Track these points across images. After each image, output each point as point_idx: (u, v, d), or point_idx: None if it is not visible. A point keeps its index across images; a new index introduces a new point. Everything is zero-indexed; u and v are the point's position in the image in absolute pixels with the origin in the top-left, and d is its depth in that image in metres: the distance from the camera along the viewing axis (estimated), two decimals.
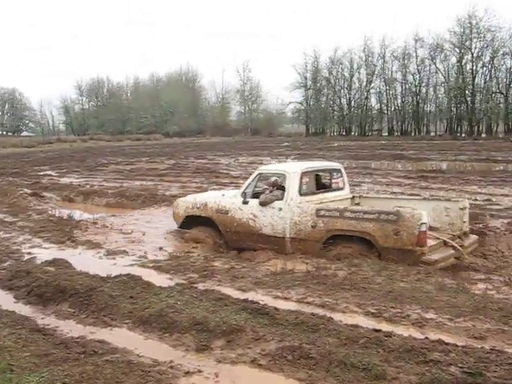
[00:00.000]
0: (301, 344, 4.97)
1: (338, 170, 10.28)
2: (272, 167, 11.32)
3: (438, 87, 78.75)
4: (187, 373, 4.67)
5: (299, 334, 5.26)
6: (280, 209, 9.13)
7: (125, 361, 4.78)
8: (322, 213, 8.64)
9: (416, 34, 76.18)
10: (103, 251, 9.45)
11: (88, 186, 20.24)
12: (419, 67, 77.85)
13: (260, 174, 9.88)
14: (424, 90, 79.13)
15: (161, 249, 9.64)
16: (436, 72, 77.33)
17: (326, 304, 6.31)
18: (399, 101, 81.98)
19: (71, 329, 5.84)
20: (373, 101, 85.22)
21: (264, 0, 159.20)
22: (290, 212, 9.01)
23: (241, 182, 19.09)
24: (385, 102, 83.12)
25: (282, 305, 6.27)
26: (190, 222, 10.54)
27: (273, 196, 9.34)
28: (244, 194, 9.70)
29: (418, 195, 14.08)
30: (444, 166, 26.57)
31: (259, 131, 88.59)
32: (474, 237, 9.16)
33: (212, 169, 25.41)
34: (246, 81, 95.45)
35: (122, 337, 5.56)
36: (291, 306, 6.26)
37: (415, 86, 78.72)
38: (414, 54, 77.92)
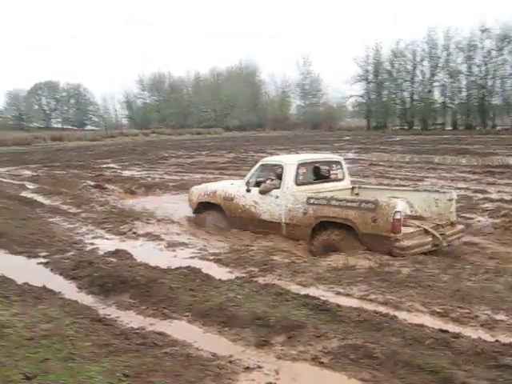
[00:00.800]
0: (364, 343, 4.81)
1: (338, 162, 10.89)
2: (273, 158, 11.96)
3: (505, 79, 76.00)
4: (247, 368, 4.59)
5: (362, 333, 5.10)
6: (277, 197, 9.83)
7: (184, 354, 4.73)
8: (312, 201, 9.25)
9: (482, 25, 73.77)
10: (164, 243, 9.52)
11: (149, 179, 20.52)
12: (485, 59, 75.35)
13: (262, 164, 10.72)
14: (490, 82, 76.48)
15: (221, 241, 9.64)
16: (503, 63, 74.64)
17: (389, 302, 6.11)
18: (464, 94, 79.58)
19: (131, 320, 5.86)
20: (436, 94, 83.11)
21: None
22: (285, 200, 9.68)
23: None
24: (449, 95, 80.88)
25: (344, 301, 6.11)
26: (203, 208, 11.44)
27: (271, 185, 10.04)
28: (247, 183, 10.53)
29: (418, 186, 14.28)
30: (511, 161, 25.61)
31: (319, 125, 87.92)
32: (460, 226, 9.57)
33: None
34: (307, 74, 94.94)
35: (181, 329, 5.53)
36: (353, 302, 6.10)
37: (481, 79, 76.26)
38: (480, 45, 75.48)
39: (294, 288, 6.62)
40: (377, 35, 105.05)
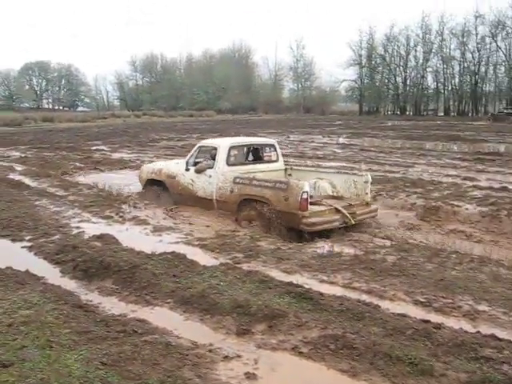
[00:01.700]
0: (344, 333, 4.80)
1: (272, 145, 11.92)
2: (209, 141, 12.79)
3: (498, 66, 76.13)
4: (226, 357, 4.56)
5: (343, 322, 5.08)
6: (210, 176, 10.77)
7: (163, 342, 4.70)
8: (238, 180, 10.16)
9: (476, 11, 73.87)
10: (150, 227, 9.45)
11: (138, 162, 20.39)
12: (479, 45, 75.49)
13: (200, 146, 11.66)
14: (483, 68, 76.77)
15: (208, 226, 9.60)
16: (497, 50, 74.88)
17: (373, 290, 6.11)
18: (457, 80, 79.86)
19: (113, 306, 5.82)
20: (429, 79, 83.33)
21: None
22: (217, 179, 10.60)
23: (291, 160, 18.93)
24: (442, 80, 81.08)
25: (328, 289, 6.09)
26: (149, 184, 12.41)
27: (206, 165, 11.00)
28: (187, 163, 11.40)
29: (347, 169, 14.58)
30: (502, 148, 25.65)
31: (312, 109, 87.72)
32: (373, 207, 10.41)
33: None
34: (300, 58, 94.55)
35: (162, 316, 5.50)
36: (337, 290, 6.08)
37: (474, 65, 76.38)
38: (474, 32, 75.66)
39: (278, 275, 6.59)
40: (371, 19, 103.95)
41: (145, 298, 6.00)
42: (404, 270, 6.71)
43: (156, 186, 12.12)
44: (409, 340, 4.68)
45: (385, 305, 5.64)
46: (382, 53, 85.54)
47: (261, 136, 32.01)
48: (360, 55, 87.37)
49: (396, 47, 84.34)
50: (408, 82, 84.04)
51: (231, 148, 11.00)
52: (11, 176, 16.12)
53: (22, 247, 8.28)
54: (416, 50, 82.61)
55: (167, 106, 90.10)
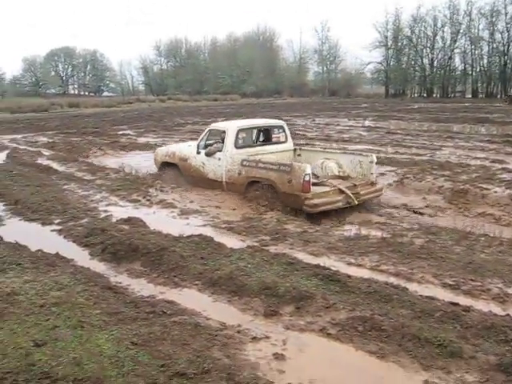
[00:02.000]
0: (373, 315, 4.79)
1: (280, 127, 12.05)
2: (218, 124, 12.81)
3: None
4: (254, 338, 4.60)
5: (371, 304, 5.08)
6: (219, 159, 11.04)
7: (192, 323, 4.75)
8: (245, 163, 10.43)
9: None
10: (177, 210, 9.50)
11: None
12: (508, 25, 73.60)
13: (210, 130, 11.84)
14: None
15: (234, 209, 9.63)
16: None
17: (400, 273, 6.09)
18: (485, 61, 78.08)
19: (142, 288, 5.89)
20: (457, 61, 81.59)
21: None
22: (226, 161, 10.87)
23: (317, 143, 18.86)
24: (470, 62, 79.39)
25: (355, 272, 6.09)
26: (164, 166, 12.73)
27: (215, 148, 11.26)
28: (198, 146, 11.63)
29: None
30: None
31: (337, 92, 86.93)
32: (378, 186, 10.49)
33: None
34: (325, 40, 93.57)
35: (191, 298, 5.55)
36: (364, 273, 6.08)
37: (503, 45, 74.64)
38: (504, 11, 73.61)
39: (305, 257, 6.61)
40: (397, 0, 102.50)
41: (173, 279, 6.06)
42: (432, 253, 6.67)
43: (170, 168, 12.45)
44: (437, 322, 4.66)
45: (413, 287, 5.62)
46: (409, 34, 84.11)
47: (286, 119, 32.00)
48: (386, 37, 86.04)
49: (423, 28, 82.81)
50: (435, 63, 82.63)
51: (239, 131, 11.25)
52: (39, 161, 16.33)
53: (52, 230, 8.41)
54: (443, 31, 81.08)
55: (192, 90, 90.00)
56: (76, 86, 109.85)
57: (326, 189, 9.64)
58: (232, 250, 6.86)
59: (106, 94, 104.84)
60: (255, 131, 11.93)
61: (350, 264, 6.46)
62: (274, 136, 11.87)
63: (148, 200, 10.36)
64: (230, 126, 11.44)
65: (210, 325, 4.80)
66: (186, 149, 12.37)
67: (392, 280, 5.84)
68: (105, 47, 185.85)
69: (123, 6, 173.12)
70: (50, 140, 22.98)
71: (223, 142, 11.09)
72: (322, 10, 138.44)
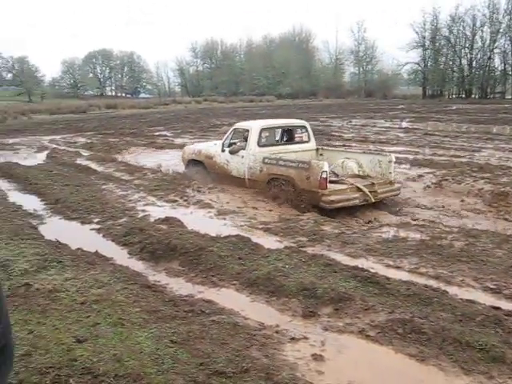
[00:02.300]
0: (412, 317, 4.74)
1: (303, 127, 12.40)
2: (243, 124, 13.06)
3: None
4: (292, 339, 4.59)
5: (411, 307, 5.02)
6: (242, 156, 11.47)
7: (231, 322, 4.77)
8: (266, 161, 10.79)
9: None
10: (214, 211, 9.55)
11: None
12: None
13: (235, 129, 12.32)
14: None
15: (271, 210, 9.63)
16: None
17: (440, 276, 5.99)
18: None
19: (180, 287, 5.93)
20: (496, 61, 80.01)
21: None
22: (248, 159, 11.28)
23: (353, 144, 18.74)
24: (510, 62, 77.84)
25: (394, 274, 6.02)
26: (191, 164, 13.37)
27: (239, 146, 11.70)
28: (223, 145, 12.13)
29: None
30: None
31: (373, 93, 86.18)
32: (397, 185, 10.71)
33: (324, 131, 24.92)
34: (361, 41, 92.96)
35: (229, 298, 5.57)
36: (403, 275, 6.00)
37: None
38: None
39: (343, 259, 6.57)
40: (435, 0, 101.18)
41: (211, 279, 6.08)
42: (472, 256, 6.55)
43: (197, 166, 13.02)
44: (479, 326, 4.58)
45: (453, 290, 5.53)
46: (447, 34, 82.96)
47: (321, 120, 31.90)
48: (423, 37, 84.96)
49: (461, 28, 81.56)
50: (474, 63, 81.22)
51: (262, 130, 11.64)
52: (78, 161, 16.61)
53: (91, 229, 8.54)
54: (482, 31, 79.59)
55: (227, 91, 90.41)
56: (113, 87, 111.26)
57: (344, 186, 9.93)
58: (269, 250, 6.86)
59: (142, 95, 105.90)
60: (278, 131, 12.32)
61: (388, 266, 6.39)
62: (296, 136, 12.23)
63: (185, 200, 10.43)
64: (254, 126, 11.84)
65: (248, 324, 4.81)
66: (211, 147, 12.95)
67: (431, 283, 5.76)
68: (141, 49, 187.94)
69: (158, 7, 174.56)
70: (89, 141, 23.35)
71: (247, 141, 11.53)
72: (358, 10, 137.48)
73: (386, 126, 28.17)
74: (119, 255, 7.12)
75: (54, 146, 21.87)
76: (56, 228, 8.60)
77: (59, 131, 29.27)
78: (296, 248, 7.01)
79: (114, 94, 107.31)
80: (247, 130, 11.71)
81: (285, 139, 12.25)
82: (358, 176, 10.62)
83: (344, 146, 18.25)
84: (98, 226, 8.60)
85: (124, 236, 7.86)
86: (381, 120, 32.23)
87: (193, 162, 13.28)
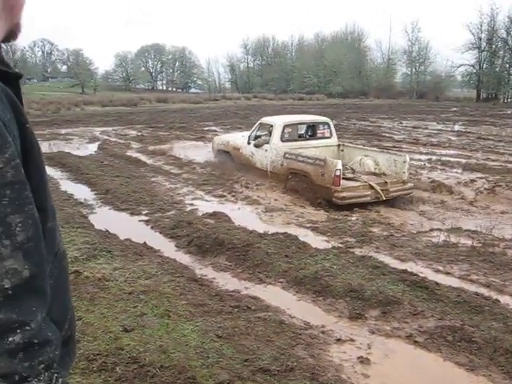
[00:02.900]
0: (463, 325, 4.62)
1: (326, 123, 12.87)
2: (268, 119, 13.38)
3: None
4: (338, 340, 4.54)
5: (461, 314, 4.90)
6: (266, 150, 12.02)
7: (277, 320, 4.75)
8: (287, 156, 11.28)
9: None
10: (261, 207, 9.55)
11: None
12: None
13: (260, 123, 12.85)
14: None
15: (319, 210, 9.57)
16: None
17: (491, 284, 5.84)
18: None
19: (227, 282, 5.94)
20: None
21: None
22: (271, 153, 11.82)
23: (404, 146, 18.45)
24: None
25: (443, 280, 5.89)
26: (220, 154, 14.12)
27: (263, 140, 12.22)
28: (249, 137, 12.73)
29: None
30: None
31: (425, 94, 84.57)
32: (409, 185, 10.81)
33: (374, 131, 24.66)
34: (415, 41, 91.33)
35: (275, 295, 5.55)
36: (453, 282, 5.87)
37: None
38: None
39: (392, 262, 6.47)
40: (493, 0, 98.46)
41: (258, 275, 6.08)
42: None
43: (225, 156, 13.80)
44: None
45: (505, 300, 5.38)
46: (504, 36, 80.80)
47: (372, 121, 31.54)
48: (479, 38, 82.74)
49: None
50: None
51: (285, 126, 12.16)
52: (129, 153, 16.82)
53: (140, 221, 8.64)
54: None
55: (277, 88, 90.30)
56: (164, 81, 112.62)
57: (357, 184, 10.30)
58: (317, 249, 6.81)
59: (192, 90, 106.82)
60: (301, 126, 12.86)
61: (437, 271, 6.27)
62: (319, 132, 12.76)
63: (233, 196, 10.46)
64: (278, 121, 12.43)
65: (294, 323, 4.78)
66: (238, 139, 13.64)
67: (483, 291, 5.61)
68: (193, 44, 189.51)
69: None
70: (139, 133, 23.64)
71: (271, 135, 12.04)
72: (413, 9, 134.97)
73: (437, 128, 27.61)
74: (167, 247, 7.18)
75: (106, 137, 22.22)
76: (106, 218, 8.73)
77: (111, 123, 29.71)
78: (344, 248, 6.95)
79: (164, 88, 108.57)
80: (271, 126, 12.27)
81: (307, 135, 12.81)
82: (374, 174, 11.00)
83: (394, 147, 18.03)
84: (146, 218, 8.70)
85: (172, 229, 7.92)
86: (433, 122, 31.62)
87: (221, 152, 14.03)
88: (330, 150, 12.21)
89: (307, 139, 12.60)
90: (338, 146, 12.71)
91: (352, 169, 11.16)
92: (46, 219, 1.14)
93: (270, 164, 11.85)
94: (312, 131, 12.81)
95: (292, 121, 12.79)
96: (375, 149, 13.42)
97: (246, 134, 13.39)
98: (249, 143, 12.68)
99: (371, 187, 10.12)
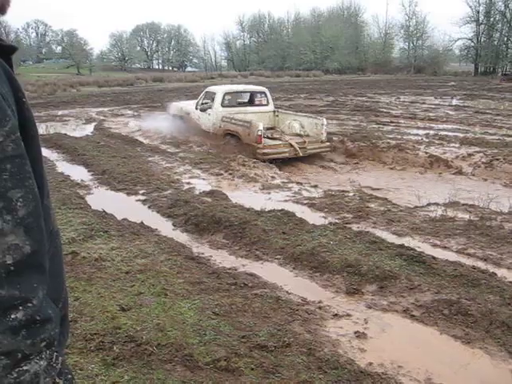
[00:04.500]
0: (459, 299, 4.63)
1: (263, 92, 14.74)
2: (212, 88, 15.28)
3: None
4: (335, 315, 4.55)
5: (457, 288, 4.90)
6: (209, 114, 14.08)
7: (273, 296, 4.75)
8: (224, 119, 13.31)
9: None
10: (259, 185, 9.53)
11: None
12: None
13: (206, 91, 14.92)
14: None
15: (316, 186, 9.55)
16: None
17: (488, 257, 5.83)
18: None
19: (224, 259, 5.94)
20: None
21: None
22: (213, 117, 13.84)
23: (401, 121, 18.39)
24: None
25: (440, 254, 5.89)
26: (174, 118, 16.22)
27: (207, 106, 14.21)
28: (197, 104, 14.86)
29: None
30: None
31: (423, 69, 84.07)
32: (327, 144, 12.81)
33: (371, 107, 24.54)
34: (412, 15, 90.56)
35: (272, 272, 5.55)
36: (450, 256, 5.86)
37: None
38: None
39: (389, 237, 6.46)
40: None
41: (255, 253, 6.08)
42: None
43: (179, 120, 15.74)
44: None
45: (502, 273, 5.37)
46: (502, 8, 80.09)
47: (369, 96, 31.38)
48: (477, 11, 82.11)
49: None
50: None
51: (226, 94, 14.15)
52: (125, 133, 16.74)
53: (137, 200, 8.62)
54: None
55: (274, 66, 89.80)
56: (160, 61, 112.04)
57: (278, 142, 12.37)
58: (314, 226, 6.80)
59: (189, 69, 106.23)
60: (240, 95, 15.04)
61: (435, 246, 6.26)
62: (257, 100, 14.67)
63: (230, 174, 10.42)
64: (219, 89, 14.45)
65: (291, 299, 4.78)
66: (189, 105, 15.66)
67: (480, 264, 5.61)
68: (188, 22, 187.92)
69: None
70: (135, 113, 23.53)
71: (213, 102, 13.92)
72: None
73: (435, 103, 27.48)
74: (164, 226, 7.17)
75: (102, 117, 22.13)
76: (102, 198, 8.70)
77: (107, 103, 29.57)
78: (341, 224, 6.94)
79: (160, 67, 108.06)
80: (214, 93, 14.16)
81: (246, 102, 14.73)
82: (299, 135, 12.95)
83: (392, 122, 17.98)
84: (143, 198, 8.68)
85: (169, 208, 7.91)
86: (430, 97, 31.47)
87: (176, 117, 16.15)
88: (266, 116, 14.11)
89: (245, 106, 14.44)
90: (274, 112, 14.51)
91: (282, 131, 13.43)
92: (42, 196, 1.12)
93: (211, 126, 13.85)
94: (250, 99, 14.74)
95: (232, 89, 15.06)
96: (302, 114, 15.21)
97: (194, 101, 15.48)
98: (196, 108, 14.74)
99: (291, 145, 12.02)
